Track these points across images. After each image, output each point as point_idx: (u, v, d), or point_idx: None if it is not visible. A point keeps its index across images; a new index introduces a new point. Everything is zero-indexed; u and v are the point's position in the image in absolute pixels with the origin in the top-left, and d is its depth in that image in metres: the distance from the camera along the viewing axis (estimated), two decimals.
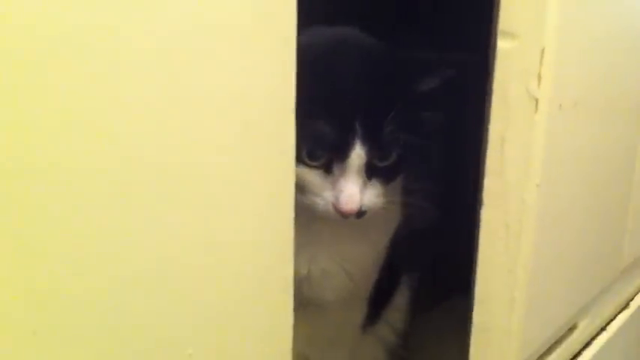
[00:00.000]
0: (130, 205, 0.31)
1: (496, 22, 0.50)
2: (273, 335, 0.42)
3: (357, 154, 0.55)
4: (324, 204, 0.57)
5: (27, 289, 0.29)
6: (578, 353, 0.75)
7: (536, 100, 0.49)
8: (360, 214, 0.58)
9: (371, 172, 0.58)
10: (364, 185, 0.57)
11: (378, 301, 0.74)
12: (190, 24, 0.32)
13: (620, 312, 0.86)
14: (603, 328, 0.82)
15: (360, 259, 0.68)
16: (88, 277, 0.31)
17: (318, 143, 0.55)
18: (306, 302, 0.63)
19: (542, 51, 0.48)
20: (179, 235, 0.34)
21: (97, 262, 0.31)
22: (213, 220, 0.36)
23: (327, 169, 0.57)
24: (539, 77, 0.48)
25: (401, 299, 0.78)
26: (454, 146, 0.82)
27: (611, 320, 0.84)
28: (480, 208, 0.51)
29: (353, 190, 0.56)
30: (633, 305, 0.88)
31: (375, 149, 0.56)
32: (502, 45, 0.48)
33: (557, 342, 0.70)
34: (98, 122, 0.30)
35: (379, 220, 0.66)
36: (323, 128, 0.54)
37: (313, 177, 0.56)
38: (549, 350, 0.68)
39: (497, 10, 0.49)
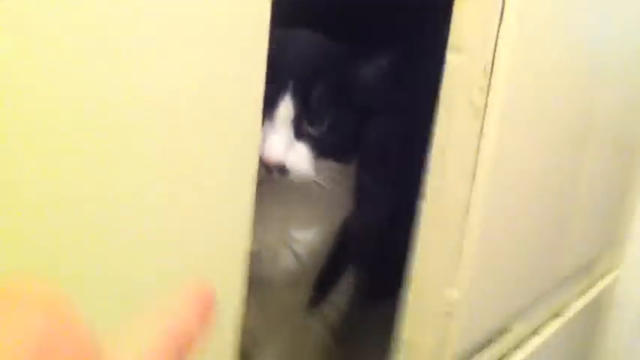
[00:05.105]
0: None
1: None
2: (224, 306, 0.45)
3: (285, 107, 0.60)
4: None
5: None
6: (511, 355, 0.79)
7: (477, 111, 0.52)
8: (283, 170, 0.60)
9: (300, 133, 0.61)
10: (290, 142, 0.60)
11: (324, 285, 0.78)
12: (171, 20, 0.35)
13: (553, 319, 0.91)
14: (536, 332, 0.87)
15: (308, 242, 0.71)
16: None
17: None
18: (254, 281, 0.66)
19: (486, 66, 0.52)
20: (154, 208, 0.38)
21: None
22: (176, 188, 0.39)
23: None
24: (481, 90, 0.52)
25: (345, 286, 0.81)
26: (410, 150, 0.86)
27: (544, 325, 0.88)
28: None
29: (275, 139, 0.59)
30: (566, 314, 0.93)
31: (304, 107, 0.60)
32: (451, 58, 0.52)
33: (490, 342, 0.74)
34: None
35: (328, 205, 0.70)
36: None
37: None
38: (481, 348, 0.72)
39: (449, 26, 0.53)
